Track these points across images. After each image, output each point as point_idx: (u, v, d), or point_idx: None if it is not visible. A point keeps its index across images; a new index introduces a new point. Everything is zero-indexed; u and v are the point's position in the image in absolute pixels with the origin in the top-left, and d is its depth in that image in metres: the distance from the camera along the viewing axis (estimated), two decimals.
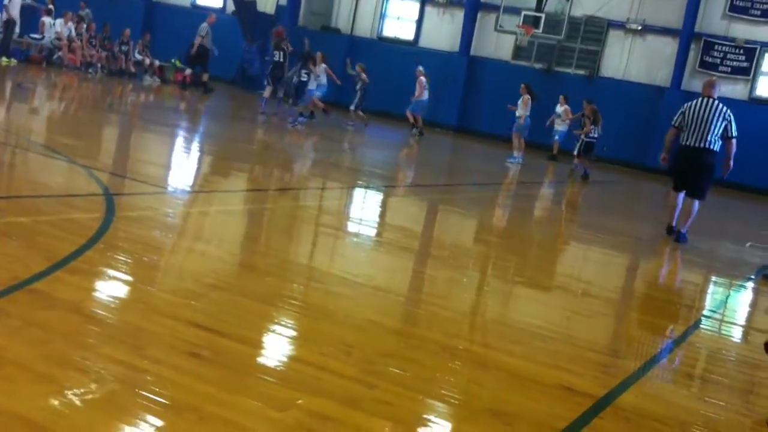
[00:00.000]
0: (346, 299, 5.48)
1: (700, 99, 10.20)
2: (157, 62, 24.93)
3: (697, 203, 10.41)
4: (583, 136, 17.35)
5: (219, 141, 14.57)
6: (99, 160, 9.93)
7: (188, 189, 9.04)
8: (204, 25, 22.89)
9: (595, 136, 17.36)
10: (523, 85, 18.88)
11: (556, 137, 21.06)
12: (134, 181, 8.58)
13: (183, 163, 11.30)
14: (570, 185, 16.89)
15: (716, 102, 10.12)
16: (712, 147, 10.06)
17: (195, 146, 13.40)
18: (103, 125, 13.82)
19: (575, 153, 17.87)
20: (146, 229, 6.44)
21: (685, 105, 10.37)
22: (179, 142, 13.55)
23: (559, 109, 20.85)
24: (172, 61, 25.49)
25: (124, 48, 24.10)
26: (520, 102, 18.63)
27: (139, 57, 24.54)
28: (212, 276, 5.40)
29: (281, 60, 19.86)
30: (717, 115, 9.99)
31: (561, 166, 19.65)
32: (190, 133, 15.20)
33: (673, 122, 10.45)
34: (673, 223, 10.70)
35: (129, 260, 5.40)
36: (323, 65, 19.83)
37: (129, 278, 5.09)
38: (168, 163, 11.11)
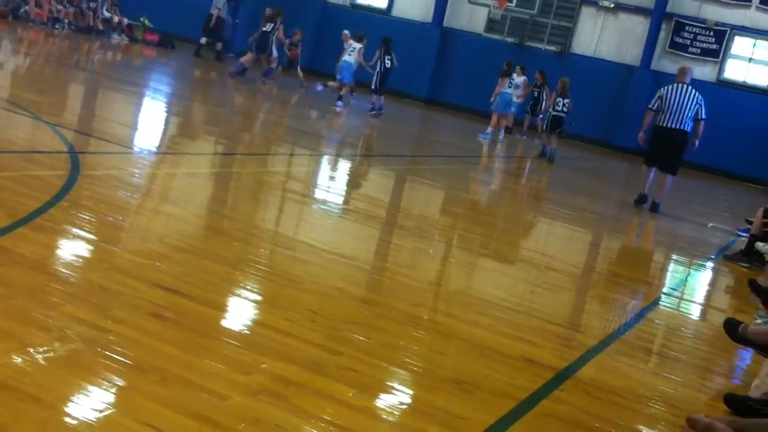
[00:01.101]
0: (312, 266, 5.48)
1: (676, 85, 11.41)
2: (125, 21, 24.50)
3: (670, 177, 11.72)
4: (551, 110, 16.94)
5: (187, 103, 14.41)
6: (64, 117, 9.78)
7: (155, 150, 8.94)
8: None
9: (564, 110, 16.69)
10: (519, 67, 18.90)
11: (513, 109, 20.54)
12: (100, 140, 8.46)
13: (150, 124, 11.17)
14: (537, 161, 16.95)
15: (690, 87, 11.38)
16: (686, 128, 11.36)
17: (162, 107, 13.23)
18: (69, 82, 13.60)
19: (543, 130, 17.36)
20: (111, 188, 6.37)
21: (662, 90, 11.51)
22: (146, 102, 13.37)
23: (518, 80, 20.37)
24: (141, 19, 25.07)
25: (92, 4, 23.64)
26: (521, 82, 18.69)
27: (107, 14, 24.11)
28: (178, 238, 5.36)
29: (269, 31, 19.71)
30: (692, 99, 11.28)
31: (520, 140, 19.76)
32: (157, 93, 15.00)
33: (650, 106, 11.54)
34: (645, 191, 11.88)
35: (93, 219, 5.34)
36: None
37: (93, 237, 5.03)
38: (135, 123, 10.97)
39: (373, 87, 18.29)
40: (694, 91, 11.35)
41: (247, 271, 5.04)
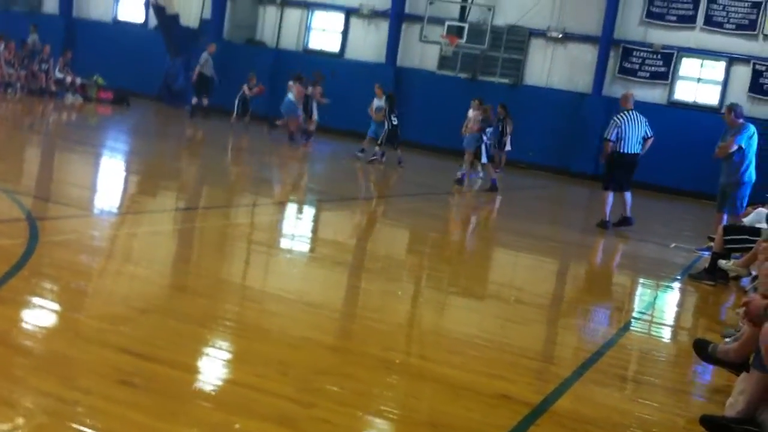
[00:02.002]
0: (280, 317, 5.44)
1: (627, 113, 12.15)
2: (78, 80, 24.39)
3: (629, 193, 12.50)
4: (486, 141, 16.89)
5: (146, 159, 14.32)
6: (21, 183, 9.66)
7: (115, 211, 8.85)
8: (204, 55, 23.38)
9: (488, 140, 16.93)
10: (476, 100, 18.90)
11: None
12: (58, 204, 8.38)
13: (109, 184, 11.07)
14: (492, 193, 17.04)
15: (636, 112, 12.22)
16: (639, 151, 12.25)
17: (121, 166, 13.15)
18: (24, 147, 13.47)
19: (484, 161, 17.07)
20: (72, 253, 6.28)
21: (618, 120, 12.12)
22: (104, 162, 13.28)
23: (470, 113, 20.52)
24: (94, 78, 24.99)
25: (44, 66, 23.53)
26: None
27: (60, 75, 23.99)
28: (142, 299, 5.29)
29: (310, 95, 20.25)
30: (641, 123, 12.15)
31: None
32: (115, 152, 14.91)
33: (609, 137, 12.14)
34: (607, 216, 12.37)
35: (55, 287, 5.26)
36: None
37: (55, 305, 4.95)
38: (93, 184, 10.87)
39: (379, 142, 18.33)
40: (640, 115, 12.22)
41: (215, 327, 4.99)
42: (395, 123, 18.55)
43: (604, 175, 12.87)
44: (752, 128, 11.11)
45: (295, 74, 20.76)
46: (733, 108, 11.23)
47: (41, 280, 5.35)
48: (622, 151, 12.08)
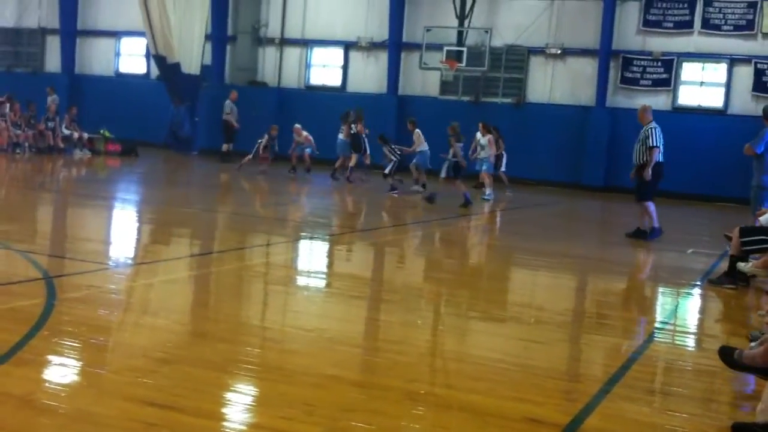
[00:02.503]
0: (302, 356, 5.43)
1: (655, 124, 12.50)
2: (86, 135, 24.61)
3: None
4: (449, 158, 16.98)
5: (157, 208, 14.40)
6: (36, 242, 9.72)
7: (130, 262, 8.89)
8: (227, 102, 24.44)
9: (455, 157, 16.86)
10: (480, 124, 19.01)
11: (484, 167, 20.91)
12: (74, 261, 8.41)
13: (122, 236, 11.13)
14: (506, 212, 17.04)
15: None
16: None
17: (133, 216, 13.23)
18: (36, 206, 13.57)
19: (447, 176, 17.22)
20: (90, 309, 6.30)
21: (658, 130, 12.46)
22: (116, 214, 13.36)
23: (482, 140, 20.73)
24: (101, 132, 25.23)
25: (50, 124, 23.78)
26: (486, 142, 18.74)
27: (67, 132, 24.21)
28: (163, 349, 5.30)
29: (357, 132, 20.82)
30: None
31: (495, 194, 19.93)
32: (126, 203, 15.01)
33: (657, 144, 12.36)
34: (657, 223, 12.68)
35: (75, 344, 5.27)
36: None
37: (77, 363, 4.97)
38: (107, 237, 10.94)
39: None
40: None
41: (237, 372, 4.98)
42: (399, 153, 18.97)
43: (648, 185, 12.61)
44: None
45: (343, 114, 21.34)
46: (764, 109, 11.37)
47: (61, 338, 5.36)
48: (659, 159, 12.38)
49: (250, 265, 9.17)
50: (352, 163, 20.64)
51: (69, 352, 5.13)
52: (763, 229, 8.95)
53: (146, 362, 4.98)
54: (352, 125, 20.83)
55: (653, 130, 12.37)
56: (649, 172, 12.34)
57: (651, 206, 12.61)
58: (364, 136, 20.88)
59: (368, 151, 21.15)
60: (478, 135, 20.12)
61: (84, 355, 5.12)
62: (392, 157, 19.13)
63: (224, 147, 24.51)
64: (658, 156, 12.35)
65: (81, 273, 7.81)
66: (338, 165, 21.22)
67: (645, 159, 12.37)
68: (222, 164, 23.46)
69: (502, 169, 21.31)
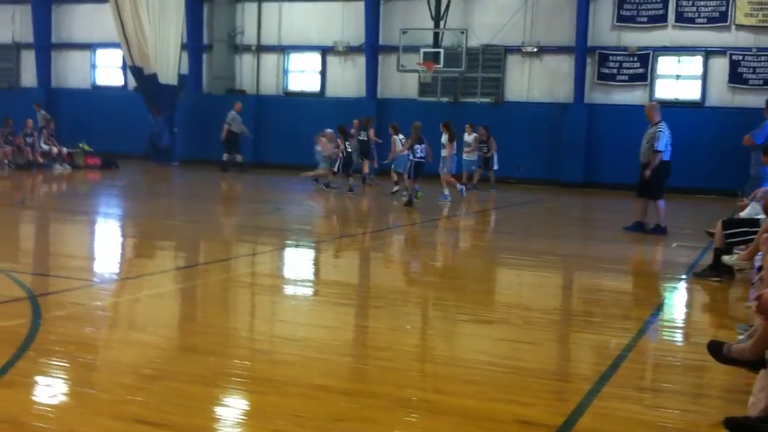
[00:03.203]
0: (291, 366, 5.40)
1: (663, 124, 12.67)
2: (65, 149, 24.43)
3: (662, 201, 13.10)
4: (412, 158, 16.82)
5: (140, 221, 14.31)
6: (19, 261, 9.63)
7: (115, 277, 8.84)
8: (230, 113, 24.32)
9: (423, 156, 16.81)
10: (442, 124, 18.78)
11: (473, 167, 21.51)
12: (58, 278, 8.35)
13: (106, 251, 11.05)
14: (488, 213, 17.07)
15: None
16: None
17: (116, 230, 13.15)
18: (18, 223, 13.44)
19: (410, 176, 16.93)
20: (77, 326, 6.26)
21: (666, 131, 12.64)
22: (99, 228, 13.27)
23: (468, 138, 21.20)
24: (80, 145, 25.06)
25: (29, 140, 23.59)
26: (444, 141, 18.43)
27: (45, 147, 24.04)
28: (151, 366, 5.26)
29: (366, 139, 21.06)
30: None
31: (476, 194, 19.99)
32: (109, 217, 14.92)
33: (660, 147, 12.57)
34: (663, 224, 12.92)
35: (63, 363, 5.23)
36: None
37: (65, 383, 4.92)
38: (91, 253, 10.86)
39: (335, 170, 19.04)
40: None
41: (226, 385, 4.96)
42: (349, 151, 19.29)
43: (656, 185, 12.93)
44: None
45: (362, 119, 21.25)
46: (767, 102, 11.63)
47: (48, 357, 5.32)
48: (665, 158, 12.65)
49: (236, 275, 9.13)
50: (365, 169, 20.90)
51: (56, 371, 5.09)
52: (745, 221, 9.01)
53: (135, 379, 4.94)
54: (361, 132, 21.05)
55: (661, 133, 12.60)
56: (648, 173, 12.68)
57: (661, 205, 12.93)
58: (373, 143, 21.28)
59: (376, 157, 21.56)
60: (466, 135, 20.58)
61: (72, 374, 5.08)
62: (339, 153, 19.41)
63: (224, 156, 24.34)
64: (664, 156, 12.66)
65: (66, 290, 7.75)
66: (312, 174, 20.93)
67: (649, 159, 12.69)
68: (222, 174, 23.48)
69: (495, 167, 21.71)
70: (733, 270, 8.92)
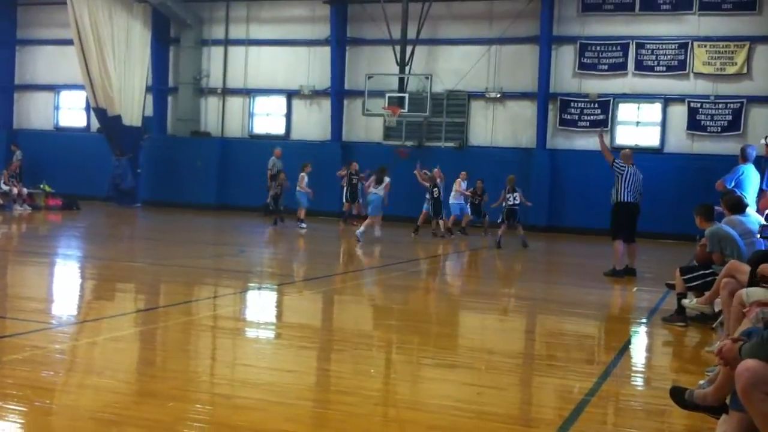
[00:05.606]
0: (254, 411, 5.33)
1: (629, 167, 13.34)
2: (25, 190, 24.17)
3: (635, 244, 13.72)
4: (505, 205, 18.93)
5: (100, 263, 14.13)
6: None
7: (74, 320, 8.69)
8: (272, 159, 23.99)
9: (517, 203, 18.91)
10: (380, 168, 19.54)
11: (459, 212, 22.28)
12: (15, 320, 8.18)
13: (65, 293, 10.88)
14: (452, 255, 17.13)
15: (636, 168, 13.54)
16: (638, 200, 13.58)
17: (76, 272, 12.96)
18: None
19: (501, 222, 19.15)
20: (33, 371, 6.12)
21: (623, 171, 13.24)
22: (59, 270, 13.08)
23: (460, 186, 22.01)
24: (41, 186, 24.80)
25: None
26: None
27: (5, 188, 23.74)
28: (110, 410, 5.16)
29: (356, 183, 22.66)
30: (641, 176, 13.56)
31: (462, 238, 20.04)
32: (69, 259, 14.71)
33: (616, 185, 13.30)
34: (620, 267, 13.27)
35: (19, 408, 5.11)
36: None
37: (21, 428, 4.80)
38: (49, 295, 10.68)
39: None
40: (638, 170, 13.67)
41: (187, 431, 4.87)
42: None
43: (612, 224, 13.68)
44: (742, 168, 12.07)
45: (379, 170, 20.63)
46: (741, 149, 12.46)
47: (4, 402, 5.19)
48: (621, 199, 13.22)
49: (197, 318, 9.03)
50: (355, 210, 22.32)
51: (13, 416, 4.96)
52: (700, 265, 9.13)
53: (93, 425, 4.84)
54: (352, 175, 22.26)
55: (620, 176, 13.27)
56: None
57: (617, 245, 13.34)
58: (360, 185, 22.14)
59: (360, 201, 22.43)
60: (459, 181, 21.33)
61: (28, 420, 4.96)
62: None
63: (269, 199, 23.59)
64: (620, 196, 13.25)
65: (23, 333, 7.59)
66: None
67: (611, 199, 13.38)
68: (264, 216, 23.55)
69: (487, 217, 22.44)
70: (695, 314, 9.01)
